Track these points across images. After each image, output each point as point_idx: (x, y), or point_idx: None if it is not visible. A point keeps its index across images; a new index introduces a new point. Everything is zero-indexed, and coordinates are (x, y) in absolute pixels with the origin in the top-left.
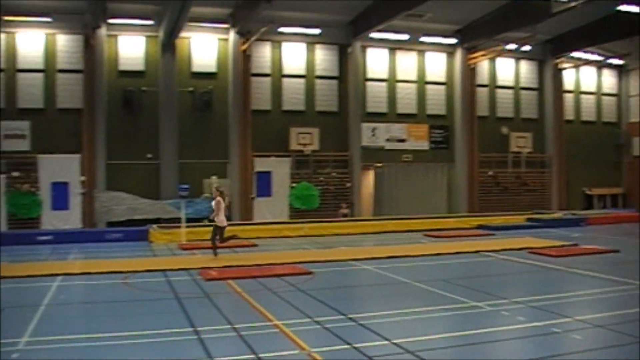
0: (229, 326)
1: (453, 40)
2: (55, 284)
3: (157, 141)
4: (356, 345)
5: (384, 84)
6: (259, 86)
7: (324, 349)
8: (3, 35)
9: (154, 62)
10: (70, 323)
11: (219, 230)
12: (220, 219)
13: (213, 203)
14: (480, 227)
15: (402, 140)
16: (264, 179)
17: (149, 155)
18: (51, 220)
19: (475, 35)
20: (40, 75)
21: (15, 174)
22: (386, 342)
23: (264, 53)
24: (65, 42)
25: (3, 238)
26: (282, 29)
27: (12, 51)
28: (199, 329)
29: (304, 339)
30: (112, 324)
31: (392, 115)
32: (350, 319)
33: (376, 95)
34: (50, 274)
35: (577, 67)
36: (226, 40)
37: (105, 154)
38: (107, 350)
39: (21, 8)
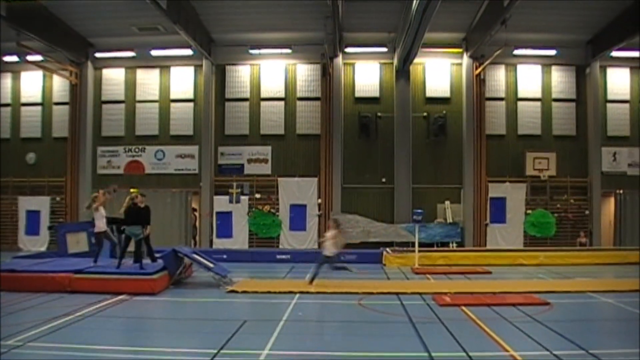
0: (463, 353)
1: None
2: (293, 301)
3: (392, 166)
4: None
5: (626, 105)
6: (493, 110)
7: None
8: (248, 67)
9: (389, 88)
10: (306, 339)
11: None
12: None
13: None
14: None
15: None
16: (499, 204)
17: (384, 180)
18: (289, 240)
19: None
20: (281, 103)
21: (258, 195)
22: None
23: (498, 76)
24: (304, 71)
25: (248, 256)
26: (516, 52)
27: (255, 82)
28: (434, 354)
29: None
30: (346, 343)
31: (634, 139)
32: (592, 354)
33: (618, 118)
34: (288, 291)
35: None
36: (459, 64)
37: (341, 178)
38: None
39: (266, 41)
